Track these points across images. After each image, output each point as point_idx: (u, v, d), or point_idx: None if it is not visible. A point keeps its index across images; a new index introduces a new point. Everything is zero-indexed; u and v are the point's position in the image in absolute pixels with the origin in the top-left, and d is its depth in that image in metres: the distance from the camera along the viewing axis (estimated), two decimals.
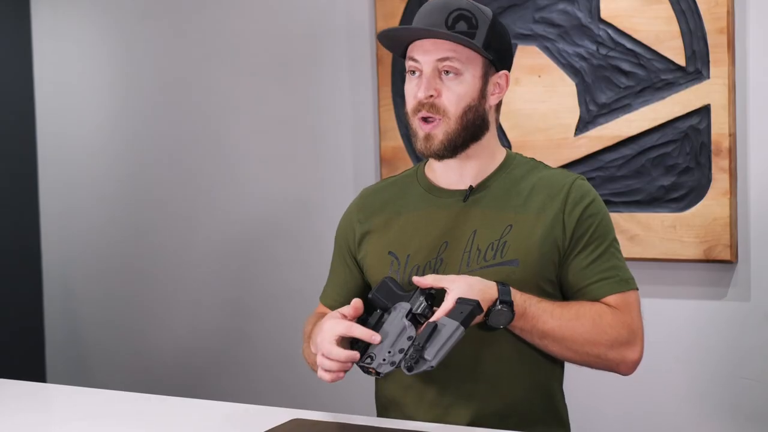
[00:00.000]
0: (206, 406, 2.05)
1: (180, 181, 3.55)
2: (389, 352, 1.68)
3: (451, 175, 1.93)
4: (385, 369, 1.68)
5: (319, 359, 1.72)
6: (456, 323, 1.65)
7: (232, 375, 3.49)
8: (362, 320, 1.77)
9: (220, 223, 3.48)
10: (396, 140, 3.06)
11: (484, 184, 1.92)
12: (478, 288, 1.73)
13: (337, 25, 3.21)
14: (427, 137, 1.86)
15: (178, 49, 3.53)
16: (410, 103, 1.88)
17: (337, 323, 1.73)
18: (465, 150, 1.88)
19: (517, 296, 1.77)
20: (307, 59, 3.28)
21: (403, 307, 1.74)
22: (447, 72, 1.84)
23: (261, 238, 3.41)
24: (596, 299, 1.85)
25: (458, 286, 1.72)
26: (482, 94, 1.87)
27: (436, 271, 1.86)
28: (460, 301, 1.69)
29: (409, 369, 1.65)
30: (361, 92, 3.17)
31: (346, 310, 1.77)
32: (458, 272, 1.84)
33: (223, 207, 3.47)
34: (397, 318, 1.73)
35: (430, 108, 1.84)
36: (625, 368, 1.85)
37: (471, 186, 1.91)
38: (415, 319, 1.73)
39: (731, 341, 2.71)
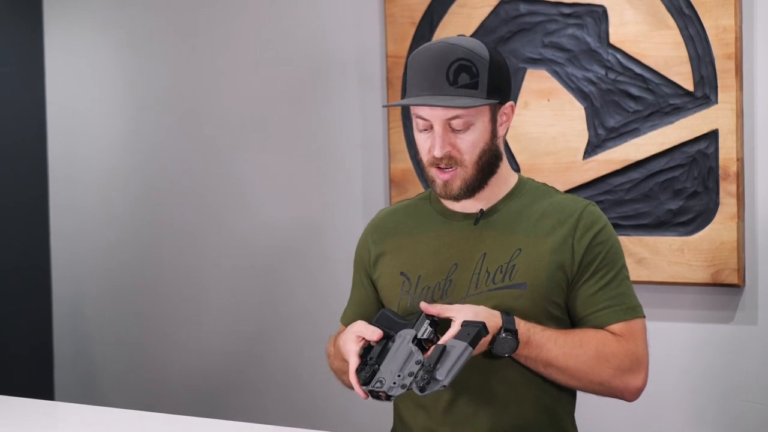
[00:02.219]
0: (216, 426, 2.06)
1: (190, 201, 3.57)
2: (399, 375, 1.70)
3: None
4: (396, 392, 1.70)
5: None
6: (464, 344, 1.68)
7: (241, 394, 3.49)
8: (367, 348, 1.79)
9: (230, 243, 3.50)
10: (405, 162, 3.07)
11: (495, 208, 1.94)
12: (483, 316, 1.76)
13: (348, 48, 3.23)
14: (446, 184, 1.89)
15: (189, 69, 3.56)
16: (425, 157, 1.90)
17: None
18: (483, 188, 1.91)
19: (521, 325, 1.80)
20: (318, 82, 3.30)
21: (408, 333, 1.77)
22: (458, 125, 1.85)
23: (270, 259, 3.42)
24: (602, 327, 1.87)
25: (464, 314, 1.76)
26: (493, 134, 1.89)
27: (444, 292, 1.89)
28: (466, 324, 1.72)
29: (422, 390, 1.67)
30: (371, 114, 3.18)
31: (372, 335, 1.80)
32: (467, 294, 1.87)
33: (233, 227, 3.48)
34: (402, 344, 1.75)
35: (448, 161, 1.86)
36: (629, 395, 1.88)
37: (482, 210, 1.93)
38: (421, 344, 1.76)
39: (738, 365, 2.71)
